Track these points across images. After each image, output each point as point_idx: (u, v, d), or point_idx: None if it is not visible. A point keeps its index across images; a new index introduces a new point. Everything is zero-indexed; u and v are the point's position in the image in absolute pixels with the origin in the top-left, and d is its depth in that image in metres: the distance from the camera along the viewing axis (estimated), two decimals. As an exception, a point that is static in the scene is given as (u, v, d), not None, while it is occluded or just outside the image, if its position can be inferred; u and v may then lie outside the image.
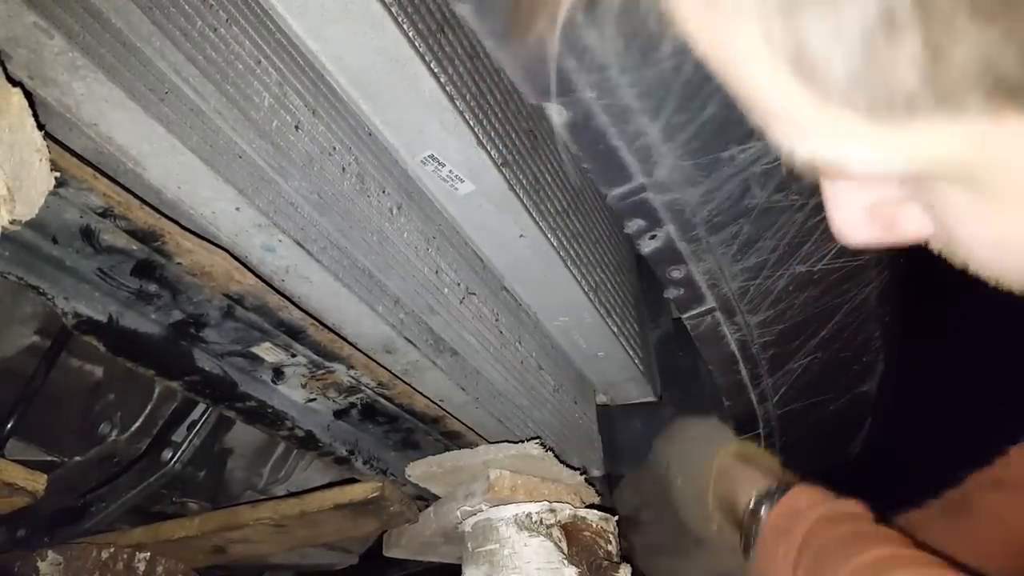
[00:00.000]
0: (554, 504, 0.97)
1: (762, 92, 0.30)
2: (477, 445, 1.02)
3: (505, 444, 0.97)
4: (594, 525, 0.98)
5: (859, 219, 0.37)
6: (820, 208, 0.44)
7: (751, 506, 0.89)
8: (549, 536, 0.94)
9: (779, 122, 0.32)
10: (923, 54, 0.24)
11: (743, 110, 0.34)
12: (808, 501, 0.83)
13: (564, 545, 0.94)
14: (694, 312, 0.95)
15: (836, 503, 0.81)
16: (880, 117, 0.27)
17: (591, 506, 1.03)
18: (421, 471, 1.02)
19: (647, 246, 0.83)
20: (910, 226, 0.37)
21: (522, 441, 0.97)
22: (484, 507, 0.99)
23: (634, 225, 0.80)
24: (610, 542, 0.99)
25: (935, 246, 0.39)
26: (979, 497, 0.83)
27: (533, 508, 0.96)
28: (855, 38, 0.24)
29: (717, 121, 0.59)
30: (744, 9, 0.27)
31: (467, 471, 1.00)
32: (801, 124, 0.30)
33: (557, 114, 0.60)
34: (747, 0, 0.26)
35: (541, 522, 0.94)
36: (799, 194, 0.72)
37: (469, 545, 1.00)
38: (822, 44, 0.25)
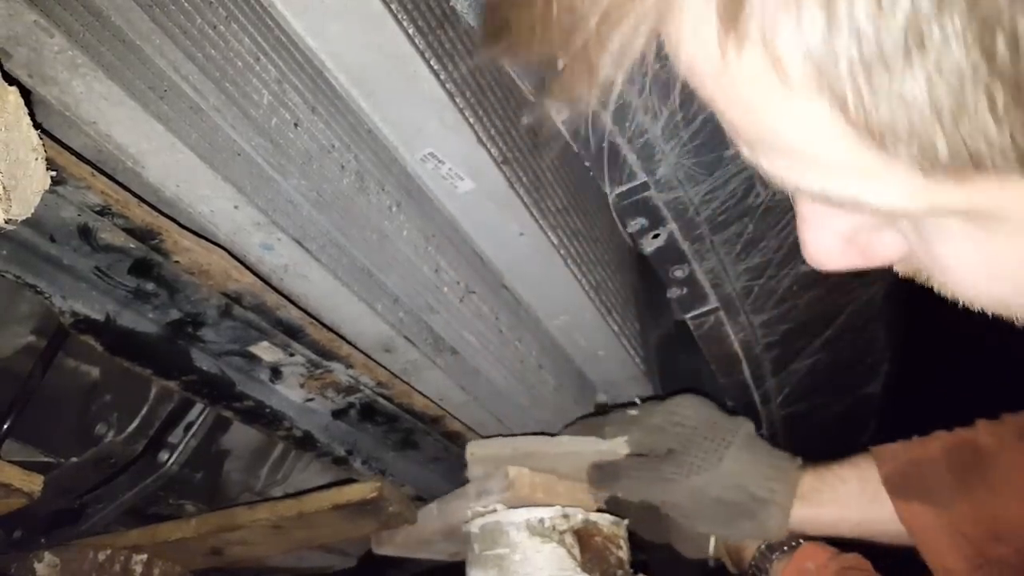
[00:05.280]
0: (567, 509, 0.94)
1: (780, 133, 0.28)
2: (477, 445, 1.01)
3: (593, 439, 0.95)
4: (605, 530, 0.95)
5: (836, 245, 0.35)
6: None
7: (759, 553, 0.92)
8: (562, 542, 0.91)
9: (790, 159, 0.30)
10: (1015, 118, 0.23)
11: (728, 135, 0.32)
12: (816, 563, 0.87)
13: (577, 552, 0.91)
14: (697, 312, 0.94)
15: (842, 559, 0.85)
16: (942, 172, 0.25)
17: (600, 510, 1.00)
18: (485, 452, 0.99)
19: (650, 245, 0.83)
20: (886, 251, 0.35)
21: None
22: (498, 507, 0.96)
23: (636, 224, 0.80)
24: (621, 548, 0.96)
25: (903, 269, 0.37)
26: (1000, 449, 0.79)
27: (545, 513, 0.92)
28: (943, 100, 0.23)
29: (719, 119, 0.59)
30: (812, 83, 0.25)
31: (539, 458, 0.97)
32: (827, 166, 0.28)
33: (557, 112, 0.60)
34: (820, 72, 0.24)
35: (554, 528, 0.91)
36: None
37: (476, 547, 0.97)
38: (900, 106, 0.24)
